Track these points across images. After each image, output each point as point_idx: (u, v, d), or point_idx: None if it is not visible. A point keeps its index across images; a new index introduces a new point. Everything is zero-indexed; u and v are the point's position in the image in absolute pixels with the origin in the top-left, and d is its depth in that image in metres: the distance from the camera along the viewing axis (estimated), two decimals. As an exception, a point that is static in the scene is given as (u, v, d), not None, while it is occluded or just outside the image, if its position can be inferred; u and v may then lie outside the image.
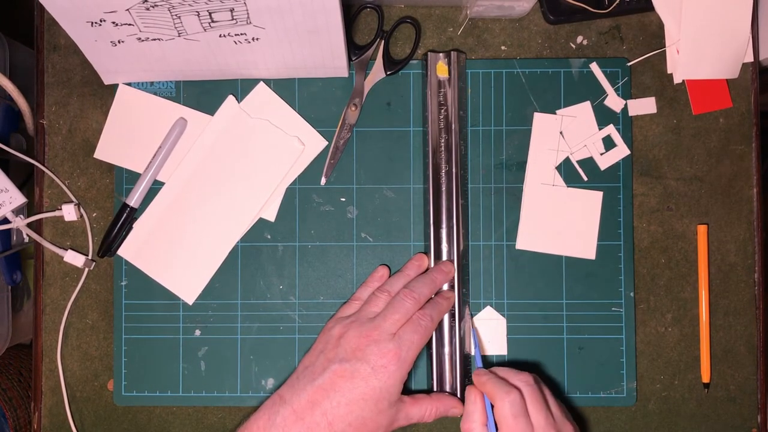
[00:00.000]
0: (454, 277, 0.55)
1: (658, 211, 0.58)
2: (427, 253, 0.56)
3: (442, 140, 0.55)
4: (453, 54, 0.56)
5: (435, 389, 0.55)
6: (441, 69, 0.56)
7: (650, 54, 0.58)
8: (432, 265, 0.56)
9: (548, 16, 0.57)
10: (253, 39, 0.52)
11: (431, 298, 0.54)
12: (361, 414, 0.48)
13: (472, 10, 0.56)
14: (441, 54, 0.56)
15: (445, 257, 0.55)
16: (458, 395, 0.54)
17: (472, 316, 0.57)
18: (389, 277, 0.56)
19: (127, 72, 0.56)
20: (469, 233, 0.57)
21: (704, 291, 0.57)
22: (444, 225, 0.55)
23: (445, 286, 0.55)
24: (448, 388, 0.55)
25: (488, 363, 0.57)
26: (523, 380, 0.50)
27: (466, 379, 0.55)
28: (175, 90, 0.58)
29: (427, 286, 0.53)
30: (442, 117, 0.55)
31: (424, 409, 0.52)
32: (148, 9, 0.49)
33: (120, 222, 0.56)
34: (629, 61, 0.58)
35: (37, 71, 0.59)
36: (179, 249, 0.57)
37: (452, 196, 0.55)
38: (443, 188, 0.55)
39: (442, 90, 0.56)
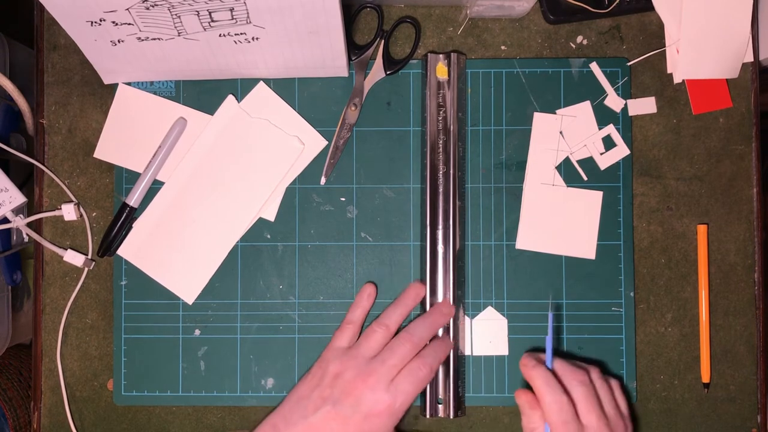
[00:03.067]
0: (452, 315, 0.55)
1: (658, 211, 0.58)
2: (423, 253, 0.56)
3: (440, 141, 0.55)
4: (453, 56, 0.56)
5: (428, 392, 0.55)
6: (441, 70, 0.56)
7: (650, 54, 0.58)
8: (428, 270, 0.56)
9: (548, 16, 0.57)
10: (253, 39, 0.52)
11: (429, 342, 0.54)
12: None
13: (472, 10, 0.56)
14: (441, 55, 0.56)
15: (441, 258, 0.55)
16: (451, 401, 0.54)
17: (472, 317, 0.57)
18: (377, 294, 0.57)
19: (127, 72, 0.56)
20: (468, 234, 0.57)
21: (704, 291, 0.57)
22: (440, 226, 0.55)
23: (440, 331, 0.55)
24: (440, 393, 0.54)
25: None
26: (578, 380, 0.49)
27: (459, 381, 0.55)
28: (174, 90, 0.58)
29: (427, 330, 0.53)
30: (440, 118, 0.55)
31: None
32: (148, 8, 0.49)
33: (120, 222, 0.56)
34: (629, 61, 0.58)
35: (37, 71, 0.59)
36: (179, 249, 0.57)
37: (449, 198, 0.55)
38: (440, 189, 0.55)
39: (441, 91, 0.56)
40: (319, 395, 0.50)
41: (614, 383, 0.53)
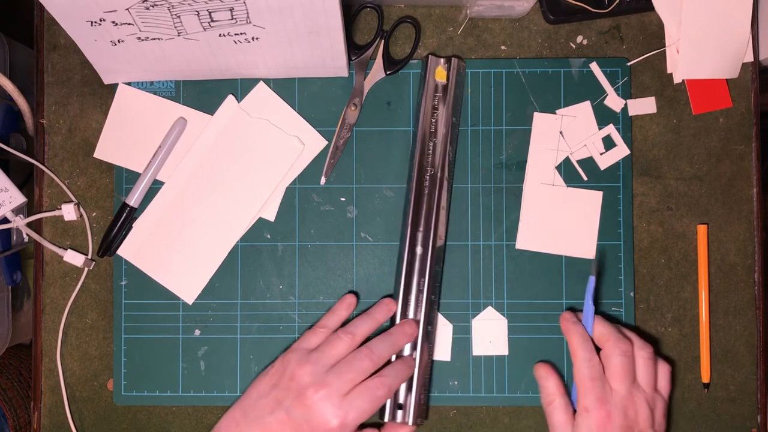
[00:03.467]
0: (417, 337, 0.54)
1: (658, 211, 0.58)
2: (401, 254, 0.56)
3: (431, 143, 0.55)
4: (454, 60, 0.56)
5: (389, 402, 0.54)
6: (440, 74, 0.56)
7: (650, 54, 0.58)
8: (403, 276, 0.55)
9: (548, 16, 0.57)
10: (252, 39, 0.52)
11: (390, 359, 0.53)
12: None
13: (472, 9, 0.56)
14: (442, 59, 0.56)
15: (418, 260, 0.55)
16: (412, 407, 0.53)
17: (472, 317, 0.57)
18: (356, 306, 0.56)
19: (127, 72, 0.56)
20: (468, 235, 0.57)
21: (704, 291, 0.57)
22: (421, 227, 0.55)
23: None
24: (402, 398, 0.53)
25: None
26: (620, 349, 0.50)
27: (423, 388, 0.54)
28: (174, 90, 0.58)
29: (388, 349, 0.52)
30: (433, 120, 0.55)
31: None
32: (147, 8, 0.49)
33: (120, 221, 0.56)
34: (629, 61, 0.58)
35: (37, 71, 0.59)
36: (179, 249, 0.57)
37: (433, 200, 0.55)
38: (425, 191, 0.55)
39: (438, 94, 0.55)
40: (275, 396, 0.50)
41: (663, 366, 0.52)
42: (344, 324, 0.54)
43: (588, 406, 0.49)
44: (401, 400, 0.53)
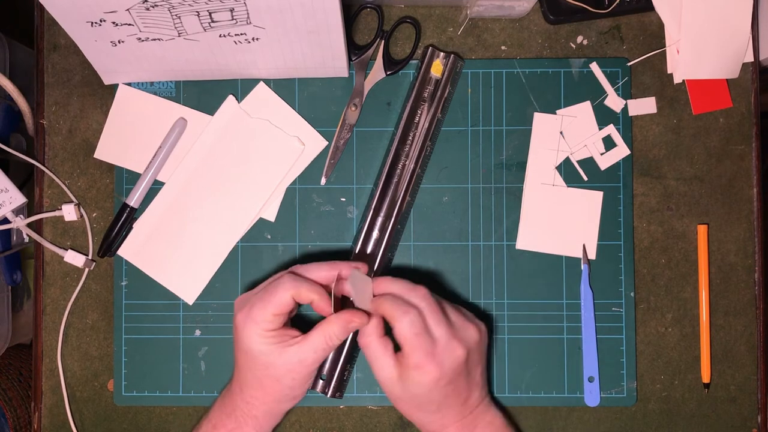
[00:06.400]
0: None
1: (658, 211, 0.58)
2: (357, 235, 0.56)
3: (411, 134, 0.55)
4: (452, 57, 0.56)
5: None
6: (436, 67, 0.56)
7: (650, 54, 0.58)
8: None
9: (548, 16, 0.57)
10: (253, 39, 0.52)
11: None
12: (245, 372, 0.49)
13: (472, 10, 0.56)
14: (441, 53, 0.56)
15: (372, 244, 0.55)
16: (334, 380, 0.54)
17: None
18: None
19: (127, 72, 0.56)
20: (468, 234, 0.57)
21: (704, 291, 0.57)
22: (383, 213, 0.55)
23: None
24: (326, 370, 0.54)
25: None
26: (419, 296, 0.48)
27: (348, 365, 0.55)
28: (175, 90, 0.58)
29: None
30: (419, 112, 0.55)
31: (315, 344, 0.48)
32: (148, 9, 0.49)
33: (120, 222, 0.56)
34: (629, 61, 0.58)
35: (37, 71, 0.59)
36: (179, 249, 0.57)
37: (400, 191, 0.55)
38: (394, 179, 0.55)
39: (429, 88, 0.55)
40: None
41: (441, 301, 0.50)
42: None
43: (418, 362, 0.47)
44: (325, 371, 0.55)
